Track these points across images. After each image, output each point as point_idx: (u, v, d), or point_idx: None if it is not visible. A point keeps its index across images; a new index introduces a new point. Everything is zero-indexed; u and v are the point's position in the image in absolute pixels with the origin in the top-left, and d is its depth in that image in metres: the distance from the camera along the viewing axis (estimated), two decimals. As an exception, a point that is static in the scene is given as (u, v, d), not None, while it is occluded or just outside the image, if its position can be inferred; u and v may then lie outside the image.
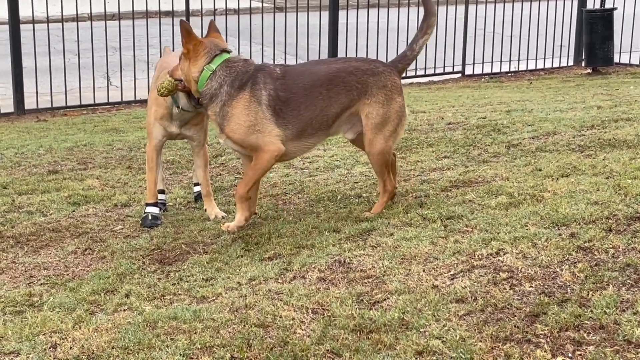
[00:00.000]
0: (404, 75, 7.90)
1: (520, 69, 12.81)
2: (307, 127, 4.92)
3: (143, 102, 9.96)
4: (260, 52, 11.55)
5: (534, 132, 6.80)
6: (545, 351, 3.15)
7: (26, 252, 5.00)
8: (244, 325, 3.60)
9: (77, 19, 10.40)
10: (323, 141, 5.16)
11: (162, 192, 5.73)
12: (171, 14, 11.01)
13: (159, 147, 5.52)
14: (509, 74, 12.69)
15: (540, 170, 5.48)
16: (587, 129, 6.72)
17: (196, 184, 5.89)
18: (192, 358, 3.39)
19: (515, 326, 3.34)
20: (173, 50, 7.03)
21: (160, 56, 7.57)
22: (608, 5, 12.69)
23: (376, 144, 4.96)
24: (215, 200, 5.62)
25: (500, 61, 12.63)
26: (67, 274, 4.62)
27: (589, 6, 13.07)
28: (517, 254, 3.97)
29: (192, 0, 10.91)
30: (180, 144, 7.28)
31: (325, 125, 4.97)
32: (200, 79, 4.90)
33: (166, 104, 5.31)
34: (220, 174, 6.56)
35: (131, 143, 7.76)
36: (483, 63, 12.77)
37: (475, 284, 3.73)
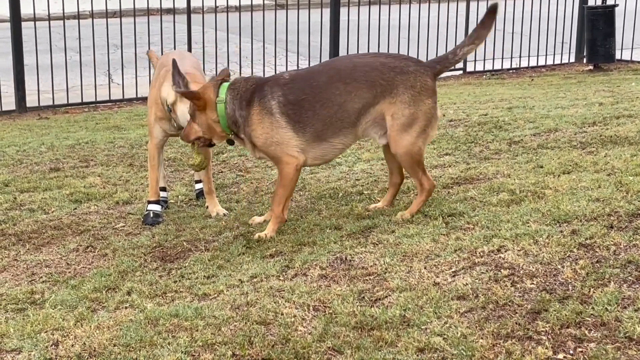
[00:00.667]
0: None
1: (521, 66, 12.79)
2: (328, 125, 4.80)
3: (144, 100, 9.96)
4: (262, 49, 11.54)
5: (535, 129, 6.80)
6: (546, 348, 3.15)
7: (28, 249, 5.00)
8: (245, 323, 3.61)
9: (78, 16, 10.39)
10: (354, 142, 5.05)
11: (163, 189, 5.74)
12: (172, 11, 11.00)
13: (160, 145, 5.54)
14: (511, 71, 12.68)
15: (541, 167, 5.48)
16: (589, 126, 6.72)
17: (198, 182, 5.90)
18: (194, 355, 3.39)
19: (516, 323, 3.34)
20: (162, 53, 7.02)
21: (162, 54, 7.57)
22: (609, 1, 12.68)
23: (401, 143, 4.75)
24: (216, 197, 5.62)
25: (502, 58, 12.61)
26: (69, 272, 4.63)
27: (591, 3, 13.07)
28: (518, 251, 3.97)
29: (194, -2, 10.90)
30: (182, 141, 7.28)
31: (348, 122, 4.81)
32: (220, 117, 4.86)
33: (164, 108, 5.32)
34: (222, 172, 6.57)
35: (133, 140, 7.76)
36: (484, 60, 12.74)
37: (477, 281, 3.74)
